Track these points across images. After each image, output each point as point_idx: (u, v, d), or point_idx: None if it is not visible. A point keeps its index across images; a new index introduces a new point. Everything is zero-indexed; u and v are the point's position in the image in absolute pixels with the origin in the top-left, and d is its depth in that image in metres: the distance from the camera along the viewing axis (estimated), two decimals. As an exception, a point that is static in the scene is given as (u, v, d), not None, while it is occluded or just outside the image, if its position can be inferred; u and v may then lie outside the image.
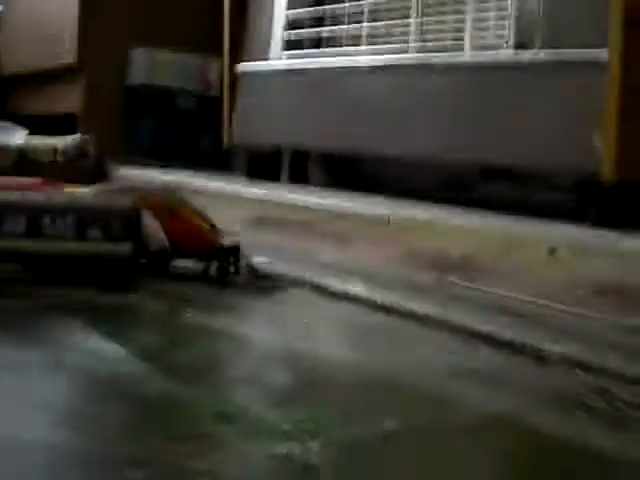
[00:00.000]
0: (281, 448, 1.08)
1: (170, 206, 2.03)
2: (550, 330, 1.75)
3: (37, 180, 2.13)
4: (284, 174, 3.90)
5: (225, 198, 3.11)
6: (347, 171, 3.84)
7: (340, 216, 2.75)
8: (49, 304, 1.73)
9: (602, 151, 2.55)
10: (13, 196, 1.86)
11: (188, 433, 1.12)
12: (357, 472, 1.06)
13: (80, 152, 3.42)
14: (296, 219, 2.84)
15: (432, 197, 3.08)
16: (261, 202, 3.05)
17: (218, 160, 4.23)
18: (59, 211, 1.82)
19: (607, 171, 2.55)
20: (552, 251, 2.20)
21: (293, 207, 2.92)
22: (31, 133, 3.60)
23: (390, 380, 1.42)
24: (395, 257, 2.45)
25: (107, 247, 1.84)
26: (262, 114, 3.78)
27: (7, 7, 5.23)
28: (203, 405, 1.22)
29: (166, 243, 1.97)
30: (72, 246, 1.83)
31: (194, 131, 4.36)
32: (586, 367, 1.53)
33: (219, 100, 4.02)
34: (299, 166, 3.92)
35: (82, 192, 2.01)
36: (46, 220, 1.81)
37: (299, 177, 3.87)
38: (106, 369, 1.34)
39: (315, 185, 3.72)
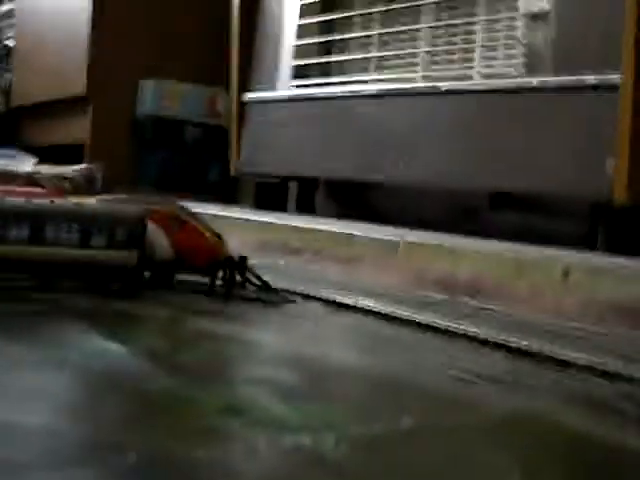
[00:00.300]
0: (291, 440, 1.03)
1: (176, 216, 2.00)
2: (568, 342, 1.71)
3: (43, 190, 2.10)
4: (291, 204, 3.87)
5: (233, 224, 3.08)
6: (354, 202, 3.81)
7: (350, 241, 2.71)
8: (53, 309, 1.69)
9: (614, 176, 2.52)
10: (17, 202, 1.82)
11: (192, 425, 1.07)
12: (374, 464, 1.00)
13: (88, 179, 3.41)
14: (305, 243, 2.80)
15: (441, 227, 3.05)
16: (270, 227, 3.02)
17: (225, 190, 4.21)
18: (63, 218, 1.78)
19: (619, 196, 2.51)
20: (566, 273, 2.16)
21: (302, 232, 2.89)
22: (41, 162, 3.60)
23: (404, 382, 1.37)
24: (405, 278, 2.41)
25: (111, 255, 1.80)
26: (269, 143, 3.76)
27: (17, 39, 5.26)
28: (209, 401, 1.18)
29: (171, 253, 1.93)
30: (76, 253, 1.79)
31: (202, 162, 4.34)
32: (609, 375, 1.48)
33: (227, 131, 4.00)
34: (306, 196, 3.89)
35: (87, 201, 1.98)
36: (50, 227, 1.77)
37: (306, 207, 3.84)
38: (109, 366, 1.29)
39: (322, 215, 3.69)
